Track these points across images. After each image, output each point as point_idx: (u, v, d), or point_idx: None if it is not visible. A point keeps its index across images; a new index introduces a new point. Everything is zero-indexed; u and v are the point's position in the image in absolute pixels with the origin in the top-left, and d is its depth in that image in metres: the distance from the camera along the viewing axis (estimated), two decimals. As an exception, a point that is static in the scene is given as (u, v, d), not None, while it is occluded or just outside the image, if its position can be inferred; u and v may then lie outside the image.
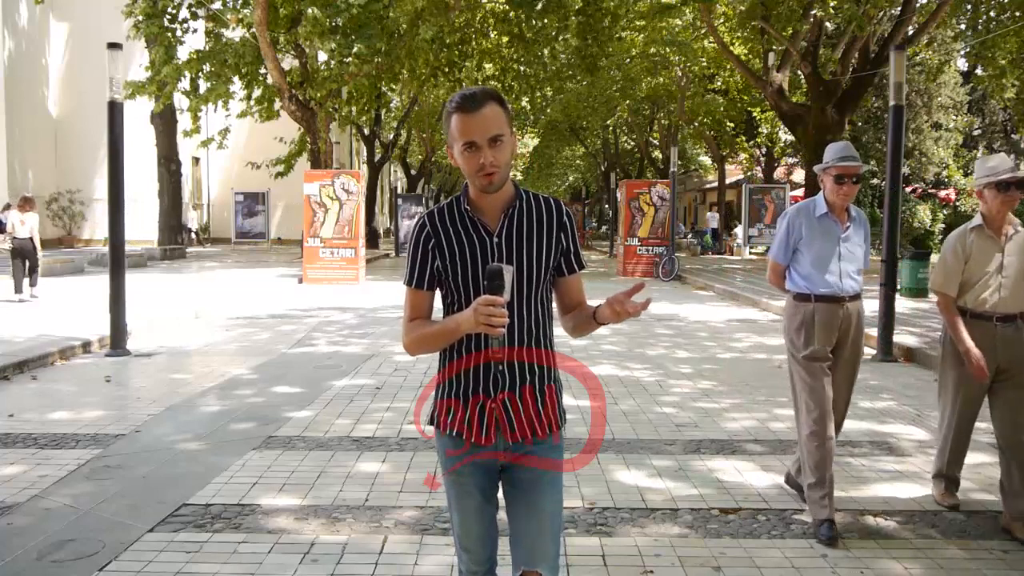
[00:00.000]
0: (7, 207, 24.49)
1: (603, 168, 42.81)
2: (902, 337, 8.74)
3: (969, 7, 19.00)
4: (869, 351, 8.01)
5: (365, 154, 32.65)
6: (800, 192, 25.92)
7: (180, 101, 22.32)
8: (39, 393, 6.54)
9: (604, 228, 46.32)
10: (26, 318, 10.19)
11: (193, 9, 19.39)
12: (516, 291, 2.00)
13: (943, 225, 27.45)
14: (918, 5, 18.09)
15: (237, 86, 20.46)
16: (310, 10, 16.53)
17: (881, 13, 19.07)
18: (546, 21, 20.79)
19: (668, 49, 24.99)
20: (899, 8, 17.86)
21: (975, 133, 35.82)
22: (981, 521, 3.82)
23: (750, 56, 23.47)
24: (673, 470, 4.55)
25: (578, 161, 52.97)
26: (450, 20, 19.60)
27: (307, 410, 5.91)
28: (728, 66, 25.44)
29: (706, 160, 43.17)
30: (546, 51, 24.16)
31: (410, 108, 31.45)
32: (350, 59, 18.33)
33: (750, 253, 26.73)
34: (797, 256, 3.86)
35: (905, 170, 27.05)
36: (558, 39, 22.37)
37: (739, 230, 27.85)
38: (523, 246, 2.02)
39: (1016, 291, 3.71)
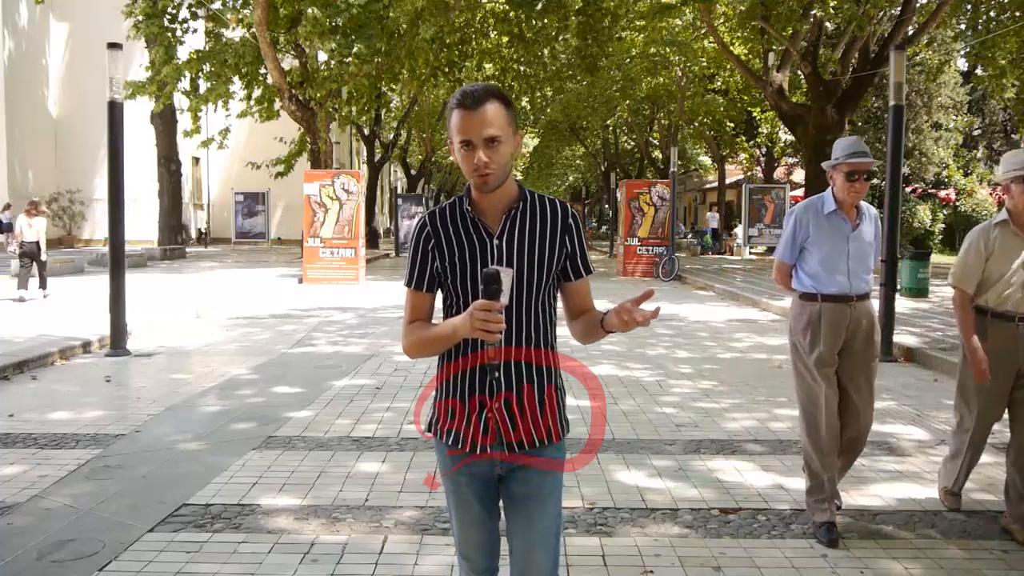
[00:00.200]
0: (7, 207, 24.56)
1: (603, 168, 42.82)
2: (902, 337, 8.75)
3: (969, 7, 19.00)
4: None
5: (365, 154, 32.66)
6: (800, 192, 25.93)
7: (180, 101, 22.33)
8: (39, 393, 6.54)
9: (604, 228, 46.34)
10: (26, 318, 10.20)
11: (193, 9, 19.39)
12: (516, 295, 1.95)
13: (943, 225, 27.47)
14: (918, 5, 18.09)
15: (237, 86, 20.46)
16: (310, 10, 16.54)
17: (881, 13, 19.07)
18: (546, 21, 20.80)
19: (668, 49, 25.01)
20: (899, 8, 17.86)
21: (975, 133, 35.83)
22: (981, 521, 3.82)
23: (750, 56, 23.47)
24: (673, 470, 4.54)
25: (578, 161, 52.99)
26: (450, 20, 19.60)
27: (307, 410, 5.91)
28: (728, 66, 25.44)
29: (706, 160, 43.19)
30: (546, 51, 24.18)
31: (410, 108, 31.46)
32: (350, 59, 18.34)
33: (750, 253, 26.74)
34: (804, 255, 3.74)
35: (905, 170, 27.06)
36: (558, 39, 22.38)
37: (739, 230, 27.86)
38: (524, 248, 1.97)
39: None
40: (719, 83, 28.64)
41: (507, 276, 1.83)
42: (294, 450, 4.90)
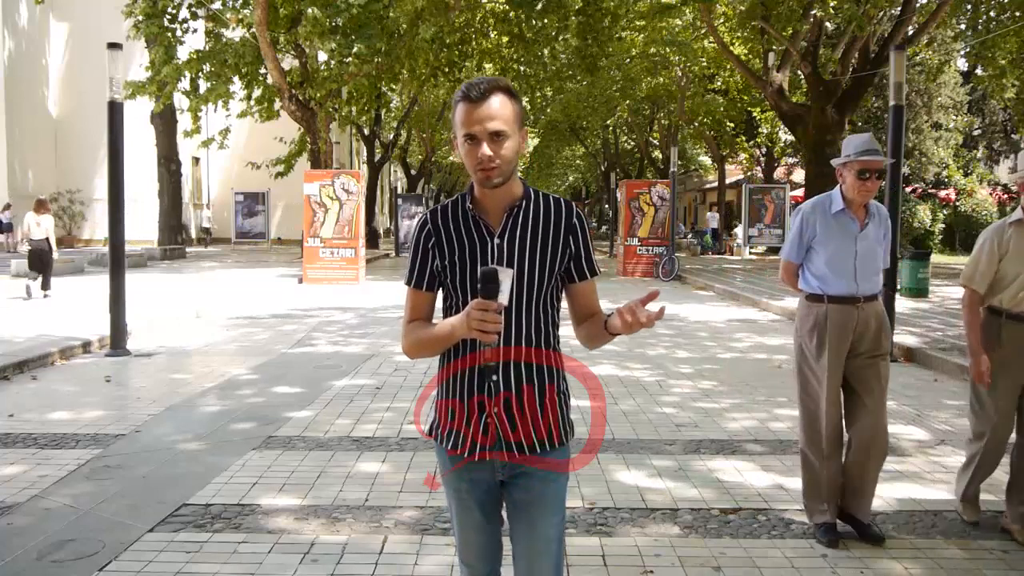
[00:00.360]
0: (7, 206, 24.55)
1: (603, 168, 42.84)
2: (902, 337, 8.75)
3: (969, 7, 19.01)
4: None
5: (365, 154, 32.67)
6: (800, 192, 25.94)
7: (180, 101, 22.36)
8: (39, 393, 6.54)
9: (604, 228, 46.32)
10: (26, 318, 10.20)
11: (193, 9, 19.41)
12: (517, 296, 1.91)
13: (943, 225, 27.47)
14: (918, 5, 18.10)
15: (237, 86, 20.48)
16: (310, 10, 16.55)
17: (881, 13, 19.08)
18: (546, 21, 20.81)
19: (668, 49, 25.02)
20: (899, 8, 17.87)
21: (975, 133, 35.81)
22: (981, 521, 3.81)
23: (750, 56, 23.48)
24: (673, 470, 4.54)
25: (578, 161, 53.02)
26: (450, 20, 19.61)
27: (307, 410, 5.91)
28: (728, 66, 25.45)
29: (706, 160, 43.19)
30: (546, 51, 24.19)
31: (410, 108, 31.47)
32: (350, 59, 18.35)
33: (750, 253, 26.73)
34: (811, 255, 3.64)
35: (905, 170, 27.05)
36: (558, 39, 22.40)
37: (739, 230, 27.85)
38: (526, 248, 1.93)
39: None
40: (719, 83, 28.65)
41: (506, 276, 1.79)
42: (294, 450, 4.90)
